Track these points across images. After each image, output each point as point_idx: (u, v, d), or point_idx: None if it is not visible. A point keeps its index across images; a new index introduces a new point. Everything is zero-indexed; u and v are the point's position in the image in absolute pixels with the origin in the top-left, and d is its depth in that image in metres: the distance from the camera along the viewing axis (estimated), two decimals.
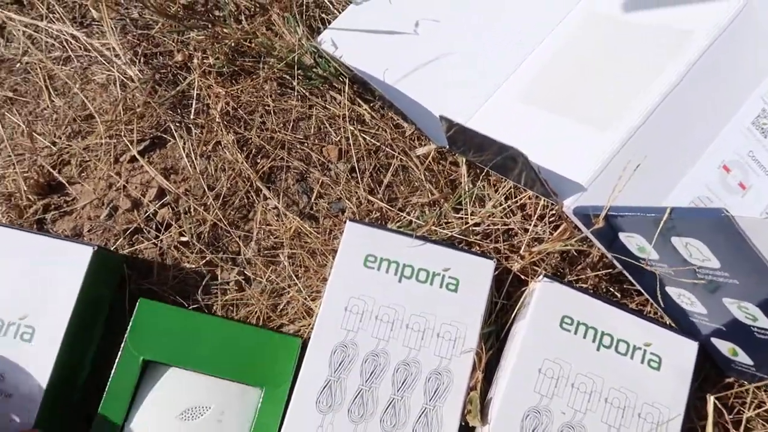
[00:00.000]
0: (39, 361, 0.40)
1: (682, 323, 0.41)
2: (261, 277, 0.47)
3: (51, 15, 0.56)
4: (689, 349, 0.40)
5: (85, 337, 0.43)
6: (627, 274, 0.42)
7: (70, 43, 0.55)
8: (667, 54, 0.45)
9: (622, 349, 0.39)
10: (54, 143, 0.51)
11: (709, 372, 0.43)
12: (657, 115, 0.43)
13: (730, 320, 0.36)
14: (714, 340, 0.40)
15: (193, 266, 0.47)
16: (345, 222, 0.44)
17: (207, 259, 0.47)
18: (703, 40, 0.44)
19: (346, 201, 0.49)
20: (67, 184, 0.49)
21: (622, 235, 0.37)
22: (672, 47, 0.45)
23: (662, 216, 0.32)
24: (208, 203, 0.48)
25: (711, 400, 0.40)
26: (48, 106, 0.53)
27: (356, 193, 0.49)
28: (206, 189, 0.48)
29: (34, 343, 0.40)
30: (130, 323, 0.41)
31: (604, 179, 0.41)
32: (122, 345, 0.41)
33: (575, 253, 0.46)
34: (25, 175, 0.49)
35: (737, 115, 0.45)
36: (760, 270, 0.29)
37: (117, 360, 0.41)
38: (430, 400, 0.40)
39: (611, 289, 0.45)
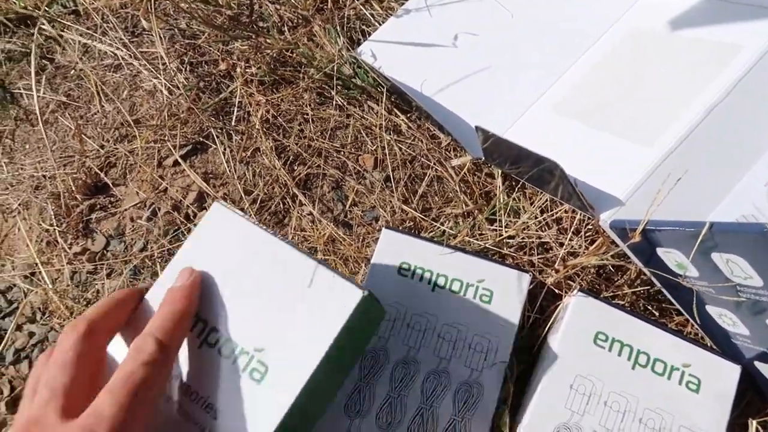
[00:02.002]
0: (265, 407, 0.31)
1: (723, 345, 0.40)
2: None
3: (105, 25, 0.59)
4: (731, 372, 0.38)
5: (327, 389, 0.36)
6: (665, 292, 0.41)
7: (121, 51, 0.58)
8: (712, 69, 0.44)
9: (659, 368, 0.38)
10: (102, 146, 0.53)
11: (753, 398, 0.42)
12: (700, 131, 0.42)
13: None
14: (757, 363, 0.38)
15: None
16: (380, 229, 0.44)
17: None
18: (750, 55, 0.43)
19: (380, 210, 0.49)
20: (112, 186, 0.51)
21: (660, 251, 0.36)
22: (718, 62, 0.44)
23: (701, 231, 0.31)
24: (246, 207, 0.49)
25: (753, 424, 0.38)
26: (98, 111, 0.56)
27: (390, 202, 0.49)
28: (244, 194, 0.50)
29: (264, 384, 0.32)
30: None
31: (643, 194, 0.41)
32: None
33: (612, 269, 0.45)
34: (73, 176, 0.51)
35: None
36: None
37: None
38: (458, 412, 0.40)
39: (649, 307, 0.44)
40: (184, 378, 0.33)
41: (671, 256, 0.36)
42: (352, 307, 0.32)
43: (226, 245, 0.35)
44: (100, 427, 0.27)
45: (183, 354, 0.33)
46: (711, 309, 0.38)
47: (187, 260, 0.35)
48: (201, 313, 0.34)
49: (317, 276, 0.33)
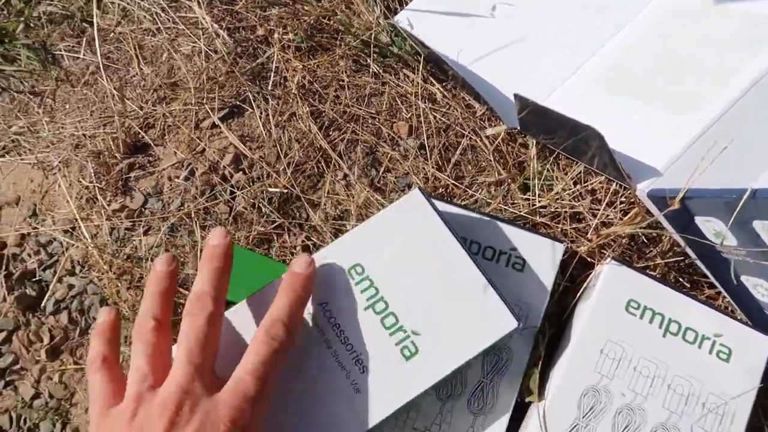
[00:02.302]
0: (403, 383, 0.36)
1: (755, 317, 0.40)
2: (326, 244, 0.48)
3: None
4: (763, 343, 0.38)
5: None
6: (698, 263, 0.41)
7: (160, 15, 0.59)
8: (757, 41, 0.43)
9: (690, 337, 0.39)
10: (141, 107, 0.54)
11: None
12: (743, 104, 0.41)
13: None
14: None
15: (263, 229, 0.49)
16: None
17: (277, 223, 0.49)
18: None
19: (414, 176, 0.49)
20: (152, 145, 0.52)
21: (698, 219, 0.36)
22: (763, 35, 0.44)
23: (743, 197, 0.31)
24: (281, 170, 0.50)
25: None
26: (137, 74, 0.57)
27: (424, 169, 0.49)
28: (280, 156, 0.50)
29: (409, 364, 0.36)
30: None
31: (681, 165, 0.41)
32: None
33: (645, 241, 0.45)
34: (113, 135, 0.53)
35: None
36: None
37: None
38: (487, 375, 0.40)
39: (680, 279, 0.44)
40: (344, 328, 0.37)
41: (710, 225, 0.36)
42: (504, 333, 0.36)
43: (411, 229, 0.39)
44: (248, 407, 0.29)
45: (349, 307, 0.37)
46: (746, 279, 0.38)
47: (371, 233, 0.39)
48: (376, 281, 0.38)
49: (485, 294, 0.37)
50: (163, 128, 0.53)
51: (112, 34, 0.60)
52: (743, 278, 0.38)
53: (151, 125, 0.54)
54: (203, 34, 0.57)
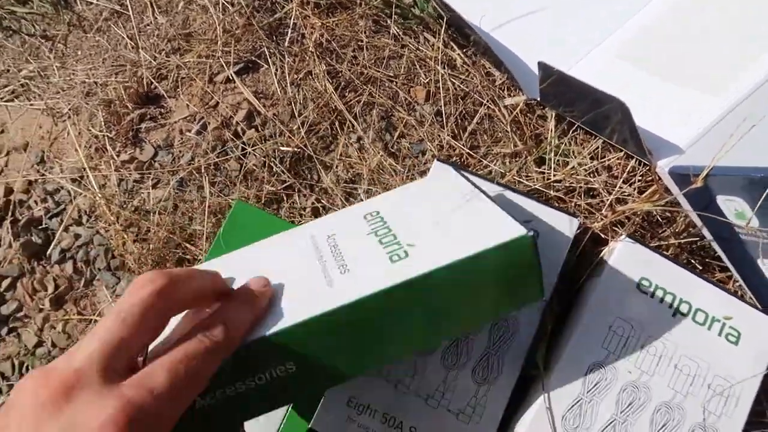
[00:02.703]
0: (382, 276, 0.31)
1: (766, 301, 0.40)
2: (336, 208, 0.48)
3: None
4: None
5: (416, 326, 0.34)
6: (714, 245, 0.41)
7: None
8: None
9: (700, 318, 0.38)
10: (154, 57, 0.53)
11: None
12: None
13: None
14: None
15: (273, 188, 0.48)
16: (426, 163, 0.44)
17: (287, 183, 0.48)
18: None
19: (428, 143, 0.49)
20: (165, 96, 0.52)
21: (720, 198, 0.36)
22: None
23: None
24: (294, 129, 0.49)
25: None
26: (151, 23, 0.55)
27: (439, 136, 0.49)
28: (294, 115, 0.49)
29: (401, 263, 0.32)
30: (224, 222, 0.42)
31: (704, 143, 0.40)
32: (213, 241, 0.42)
33: (659, 220, 0.44)
34: (125, 84, 0.52)
35: None
36: None
37: (206, 255, 0.42)
38: (493, 345, 0.40)
39: (692, 260, 0.44)
40: (341, 247, 0.34)
41: (732, 204, 0.35)
42: (507, 238, 0.30)
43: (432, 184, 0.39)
44: (148, 403, 0.24)
45: (350, 232, 0.35)
46: (763, 263, 0.37)
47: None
48: (385, 216, 0.36)
49: (494, 213, 0.34)
50: (176, 80, 0.52)
51: None
52: (760, 261, 0.37)
53: (164, 76, 0.53)
54: None
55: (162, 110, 0.51)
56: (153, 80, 0.52)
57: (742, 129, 0.35)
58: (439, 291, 0.30)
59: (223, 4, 0.54)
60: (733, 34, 0.45)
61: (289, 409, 0.41)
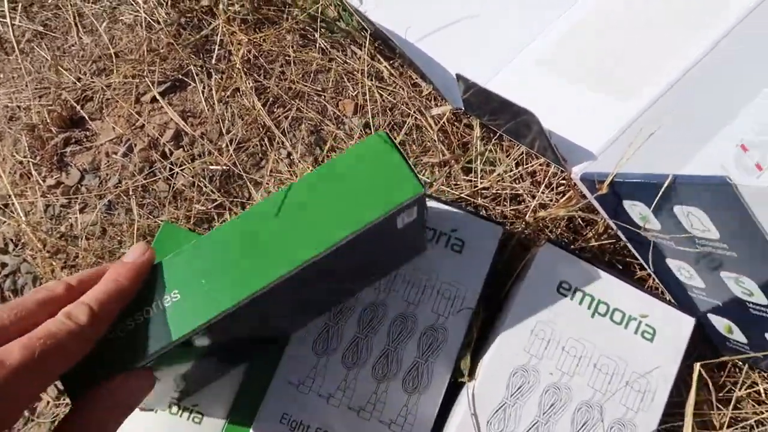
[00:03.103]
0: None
1: (680, 298, 0.41)
2: None
3: None
4: (685, 324, 0.40)
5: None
6: (629, 245, 0.42)
7: None
8: (696, 26, 0.44)
9: (617, 318, 0.40)
10: (79, 79, 0.52)
11: (705, 351, 0.44)
12: (678, 88, 0.42)
13: (727, 295, 0.36)
14: (711, 316, 0.40)
15: (203, 208, 0.48)
16: None
17: (217, 202, 0.48)
18: (735, 13, 0.43)
19: None
20: (88, 120, 0.51)
21: (626, 203, 0.37)
22: (703, 19, 0.44)
23: (664, 183, 0.31)
24: (223, 147, 0.49)
25: (697, 368, 0.40)
26: (76, 43, 0.54)
27: None
28: (223, 133, 0.49)
29: None
30: (152, 244, 0.42)
31: (617, 149, 0.41)
32: None
33: (581, 223, 0.46)
34: (49, 108, 0.51)
35: (762, 94, 0.44)
36: (759, 243, 0.29)
37: None
38: (422, 354, 0.41)
39: (614, 261, 0.45)
40: None
41: (636, 209, 0.37)
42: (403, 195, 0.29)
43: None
44: (2, 376, 0.24)
45: None
46: (671, 262, 0.39)
47: None
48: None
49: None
50: (102, 102, 0.52)
51: (50, 0, 0.57)
52: (668, 261, 0.39)
53: (89, 98, 0.52)
54: (145, 3, 0.55)
55: (87, 133, 0.51)
56: (77, 103, 0.51)
57: (642, 136, 0.37)
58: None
59: (148, 22, 0.54)
60: (646, 41, 0.47)
61: (225, 427, 0.41)
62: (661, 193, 0.32)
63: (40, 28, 0.55)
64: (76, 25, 0.55)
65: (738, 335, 0.39)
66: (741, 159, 0.42)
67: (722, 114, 0.43)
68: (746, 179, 0.43)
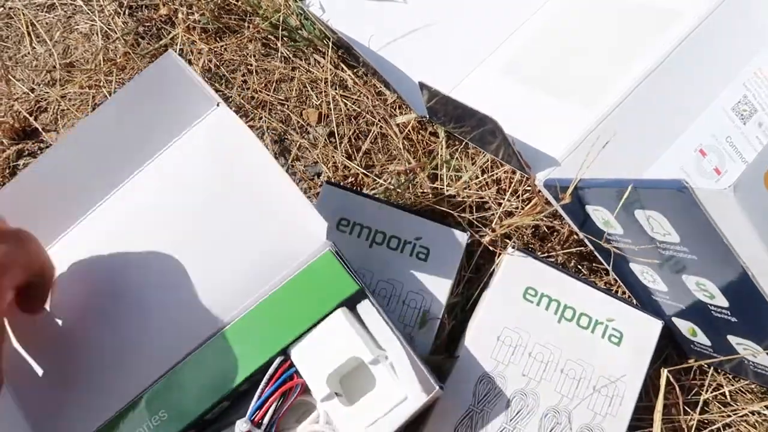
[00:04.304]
0: None
1: (645, 302, 0.42)
2: None
3: None
4: (653, 327, 0.40)
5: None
6: (594, 251, 0.43)
7: None
8: (653, 34, 0.45)
9: (584, 322, 0.40)
10: (32, 89, 0.51)
11: (671, 354, 0.44)
12: (637, 94, 0.43)
13: (689, 298, 0.36)
14: (675, 319, 0.40)
15: None
16: (322, 185, 0.43)
17: None
18: (690, 21, 0.44)
19: (323, 165, 0.49)
20: (42, 131, 0.49)
21: (589, 208, 0.37)
22: (659, 27, 0.45)
23: (625, 187, 0.32)
24: None
25: (664, 373, 0.40)
26: (29, 53, 0.53)
27: (333, 157, 0.49)
28: None
29: None
30: None
31: (579, 155, 0.41)
32: None
33: (546, 230, 0.46)
34: (0, 119, 0.49)
35: (718, 100, 0.44)
36: (716, 245, 0.29)
37: None
38: None
39: (579, 267, 0.46)
40: None
41: (599, 214, 0.37)
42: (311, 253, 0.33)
43: None
44: None
45: None
46: (634, 266, 0.39)
47: None
48: None
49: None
50: (57, 113, 0.50)
51: (2, 8, 0.55)
52: (632, 265, 0.39)
53: (43, 109, 0.50)
54: (101, 12, 0.53)
55: (41, 145, 0.49)
56: (31, 114, 0.50)
57: (602, 142, 0.37)
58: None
59: (105, 31, 0.52)
60: (606, 48, 0.47)
61: None
62: (623, 197, 0.32)
63: None
64: (29, 34, 0.54)
65: (702, 338, 0.39)
66: (700, 163, 0.43)
67: (681, 120, 0.44)
68: (705, 183, 0.44)
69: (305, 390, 0.33)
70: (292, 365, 0.33)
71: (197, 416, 0.31)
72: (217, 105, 0.38)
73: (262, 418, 0.32)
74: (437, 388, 0.32)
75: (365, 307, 0.34)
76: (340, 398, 0.33)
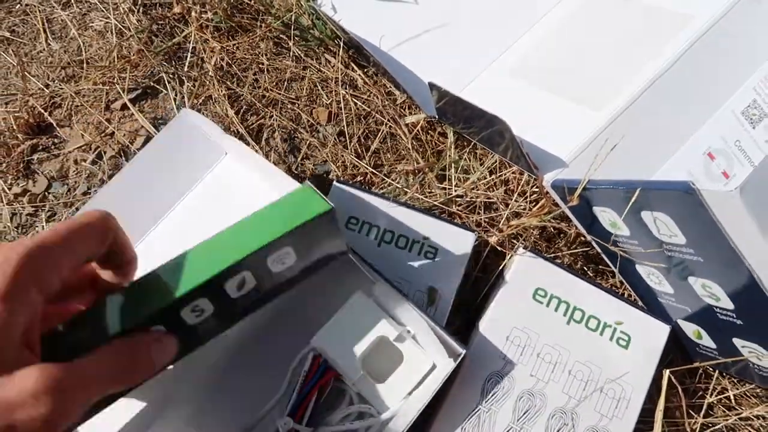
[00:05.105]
0: None
1: (651, 305, 0.42)
2: None
3: None
4: (661, 331, 0.40)
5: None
6: (601, 252, 0.43)
7: None
8: (663, 37, 0.45)
9: (593, 324, 0.40)
10: (47, 85, 0.51)
11: (676, 356, 0.44)
12: (646, 97, 0.43)
13: (695, 300, 0.36)
14: (680, 322, 0.40)
15: None
16: (331, 183, 0.44)
17: None
18: (700, 25, 0.44)
19: (332, 164, 0.49)
20: (56, 126, 0.50)
21: (596, 210, 0.38)
22: (670, 31, 0.45)
23: (633, 189, 0.32)
24: None
25: (666, 374, 0.40)
26: (44, 49, 0.53)
27: (342, 156, 0.49)
28: None
29: None
30: None
31: (587, 157, 0.42)
32: None
33: (553, 231, 0.46)
34: (15, 114, 0.50)
35: (727, 104, 0.45)
36: (722, 247, 0.30)
37: None
38: None
39: (585, 268, 0.46)
40: None
41: (606, 215, 0.37)
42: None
43: None
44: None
45: None
46: (640, 268, 0.39)
47: None
48: None
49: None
50: (71, 108, 0.51)
51: (18, 5, 0.56)
52: (637, 267, 0.39)
53: (57, 105, 0.51)
54: (116, 10, 0.54)
55: (55, 140, 0.49)
56: (45, 109, 0.50)
57: (610, 144, 0.37)
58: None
59: (119, 28, 0.53)
60: (616, 51, 0.47)
61: None
62: (631, 199, 0.32)
63: (7, 34, 0.54)
64: (44, 31, 0.54)
65: (707, 341, 0.39)
66: (708, 167, 0.43)
67: (689, 123, 0.44)
68: (713, 186, 0.44)
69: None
70: (323, 360, 0.34)
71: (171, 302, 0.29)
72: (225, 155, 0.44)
73: (303, 413, 0.32)
74: (463, 351, 0.33)
75: (380, 288, 0.35)
76: (371, 377, 0.34)
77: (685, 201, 0.29)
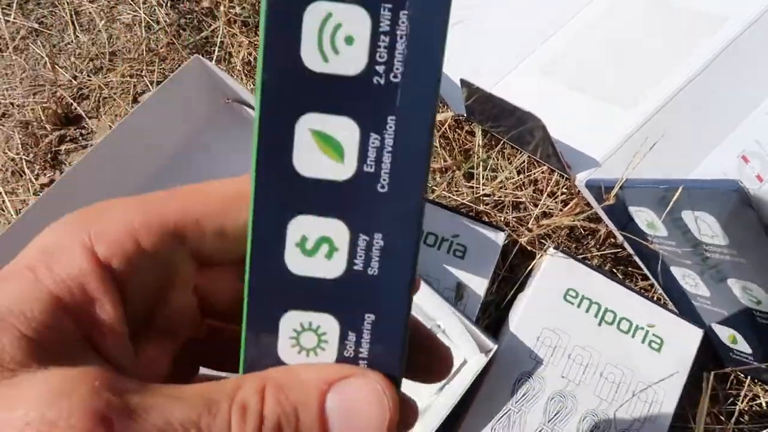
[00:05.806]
0: None
1: (683, 308, 0.41)
2: None
3: None
4: (693, 335, 0.39)
5: None
6: (633, 254, 0.42)
7: None
8: (698, 38, 0.44)
9: (624, 327, 0.39)
10: (75, 77, 0.51)
11: (707, 362, 0.43)
12: (680, 98, 0.42)
13: (733, 304, 0.35)
14: (715, 326, 0.40)
15: None
16: None
17: None
18: (735, 27, 0.43)
19: None
20: (85, 117, 0.50)
21: (632, 210, 0.37)
22: (704, 32, 0.45)
23: (673, 188, 0.31)
24: None
25: (710, 376, 0.39)
26: (72, 41, 0.54)
27: None
28: None
29: None
30: None
31: (620, 157, 0.41)
32: None
33: (582, 232, 0.46)
34: (43, 105, 0.50)
35: (762, 106, 0.44)
36: None
37: None
38: None
39: (614, 270, 0.45)
40: None
41: (642, 215, 0.37)
42: None
43: None
44: None
45: None
46: (675, 270, 0.39)
47: None
48: None
49: None
50: (98, 100, 0.51)
51: None
52: (672, 269, 0.39)
53: (85, 96, 0.51)
54: (144, 3, 0.54)
55: (83, 131, 0.50)
56: (74, 100, 0.50)
57: (649, 143, 0.37)
58: None
59: (147, 22, 0.53)
60: (650, 50, 0.47)
61: None
62: (673, 198, 0.32)
63: (36, 26, 0.54)
64: (72, 23, 0.54)
65: (743, 345, 0.38)
66: (743, 169, 0.43)
67: (723, 125, 0.44)
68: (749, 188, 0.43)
69: None
70: None
71: None
72: None
73: None
74: (494, 347, 0.32)
75: None
76: None
77: (732, 200, 0.28)
